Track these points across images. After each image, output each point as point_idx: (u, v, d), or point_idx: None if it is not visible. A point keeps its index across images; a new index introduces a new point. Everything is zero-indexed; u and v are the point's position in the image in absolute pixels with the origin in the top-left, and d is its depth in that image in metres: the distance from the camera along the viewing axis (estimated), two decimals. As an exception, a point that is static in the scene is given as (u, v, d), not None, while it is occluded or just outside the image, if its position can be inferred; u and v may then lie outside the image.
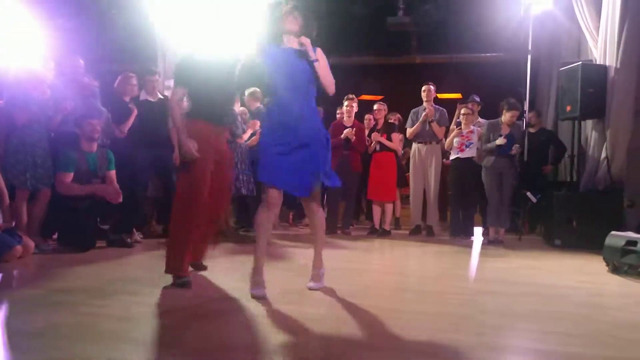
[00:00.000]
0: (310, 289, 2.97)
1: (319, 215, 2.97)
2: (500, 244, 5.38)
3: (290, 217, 6.92)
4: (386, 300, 2.96)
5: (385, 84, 10.20)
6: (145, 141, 4.93)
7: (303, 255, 4.07)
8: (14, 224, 4.08)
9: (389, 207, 5.97)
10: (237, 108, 5.65)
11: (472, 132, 5.79)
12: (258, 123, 5.26)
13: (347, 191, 5.96)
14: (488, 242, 5.52)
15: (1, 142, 4.09)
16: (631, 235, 3.97)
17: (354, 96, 6.04)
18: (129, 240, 4.55)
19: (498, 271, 3.96)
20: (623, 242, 3.94)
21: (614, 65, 5.30)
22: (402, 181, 6.48)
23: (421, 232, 6.13)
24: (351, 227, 6.30)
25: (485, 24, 7.72)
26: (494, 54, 9.20)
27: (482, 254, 4.94)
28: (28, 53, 4.89)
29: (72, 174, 4.30)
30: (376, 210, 6.04)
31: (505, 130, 5.45)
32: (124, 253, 4.22)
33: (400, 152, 6.26)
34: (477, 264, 4.42)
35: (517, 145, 5.46)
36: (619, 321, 2.53)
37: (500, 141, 5.34)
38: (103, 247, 4.43)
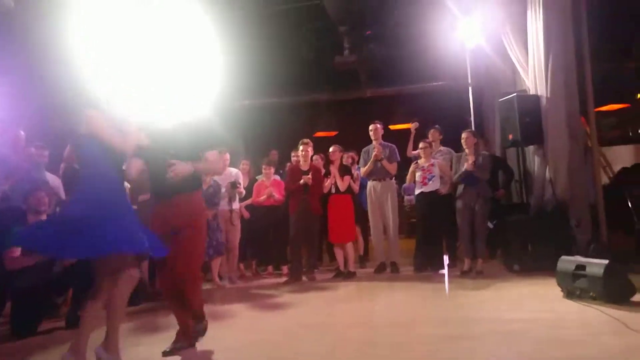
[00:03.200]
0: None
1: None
2: (480, 274, 5.49)
3: (254, 265, 6.86)
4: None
5: (339, 120, 10.43)
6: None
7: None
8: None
9: (349, 248, 6.02)
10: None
11: (432, 165, 5.95)
12: None
13: (309, 235, 5.99)
14: (461, 274, 5.62)
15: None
16: (579, 259, 4.16)
17: (308, 141, 6.12)
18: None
19: (463, 309, 4.04)
20: (573, 267, 4.13)
21: (545, 94, 5.64)
22: (363, 219, 6.57)
23: (386, 269, 6.19)
24: (316, 270, 6.30)
25: (428, 56, 8.09)
26: (439, 83, 9.59)
27: (448, 290, 5.02)
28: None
29: (19, 248, 4.12)
30: (338, 253, 6.08)
31: (470, 158, 5.60)
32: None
33: (357, 190, 6.36)
34: (443, 303, 4.48)
35: (502, 191, 5.66)
36: (577, 356, 2.63)
37: (468, 165, 5.50)
38: (60, 328, 4.13)
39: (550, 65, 5.55)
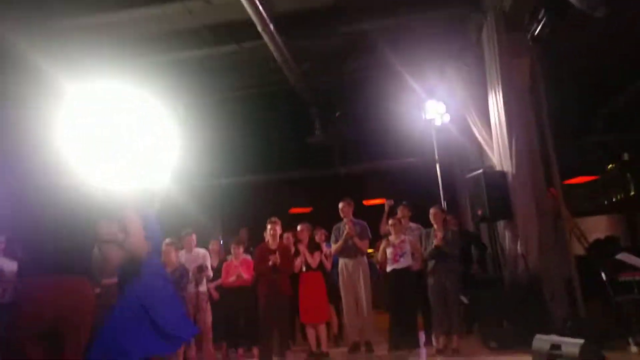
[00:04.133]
0: None
1: None
2: (455, 353, 5.28)
3: (224, 347, 6.51)
4: None
5: (313, 197, 10.48)
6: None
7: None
8: None
9: (322, 328, 5.79)
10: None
11: (403, 241, 5.88)
12: None
13: (279, 316, 5.75)
14: (437, 352, 5.40)
15: None
16: (554, 338, 4.04)
17: (276, 219, 6.06)
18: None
19: None
20: (548, 347, 3.99)
21: (511, 171, 5.79)
22: (336, 297, 6.38)
23: (360, 348, 5.92)
24: (288, 350, 5.99)
25: (396, 134, 8.37)
26: (408, 160, 9.81)
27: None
28: None
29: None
30: (310, 334, 5.82)
31: (438, 234, 5.56)
32: None
33: (329, 268, 6.24)
34: None
35: (476, 266, 5.65)
36: None
37: (437, 240, 5.46)
38: None
39: (513, 143, 5.74)
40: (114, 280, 4.44)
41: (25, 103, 5.71)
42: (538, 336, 4.21)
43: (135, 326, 2.62)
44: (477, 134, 6.52)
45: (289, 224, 8.44)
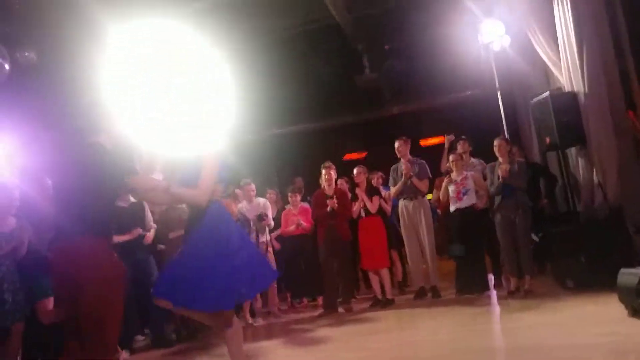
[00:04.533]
0: None
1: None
2: (529, 294, 5.02)
3: (289, 297, 6.60)
4: None
5: (367, 141, 10.18)
6: (121, 248, 4.73)
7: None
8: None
9: (385, 274, 5.66)
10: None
11: (466, 178, 5.54)
12: None
13: (340, 263, 5.69)
14: (508, 294, 5.17)
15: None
16: (643, 271, 3.67)
17: (330, 164, 5.89)
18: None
19: (512, 335, 3.64)
20: (636, 280, 3.63)
21: (583, 90, 5.19)
22: (398, 243, 6.22)
23: (426, 294, 5.77)
24: (353, 299, 5.96)
25: (451, 65, 7.77)
26: (466, 93, 9.20)
27: (495, 314, 4.58)
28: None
29: (52, 299, 4.05)
30: (374, 279, 5.72)
31: (503, 166, 5.18)
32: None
33: (389, 212, 6.05)
34: (490, 329, 4.06)
35: (545, 200, 5.44)
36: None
37: (502, 172, 5.09)
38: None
39: (585, 60, 5.10)
40: (180, 232, 4.56)
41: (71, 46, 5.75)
42: (623, 270, 3.83)
43: (194, 278, 2.56)
44: (542, 54, 5.86)
45: (343, 171, 8.24)
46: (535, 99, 5.56)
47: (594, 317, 3.82)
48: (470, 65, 7.54)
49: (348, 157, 10.33)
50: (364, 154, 10.42)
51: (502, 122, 6.64)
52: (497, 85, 6.70)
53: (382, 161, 8.61)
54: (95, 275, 2.23)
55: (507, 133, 6.57)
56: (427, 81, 8.49)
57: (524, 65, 6.65)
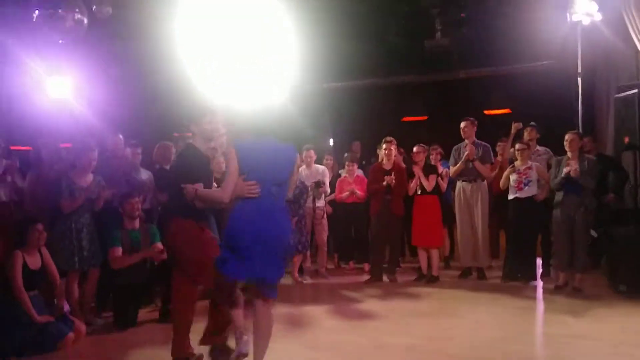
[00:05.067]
0: None
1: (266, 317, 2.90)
2: (577, 292, 5.03)
3: (336, 258, 6.85)
4: None
5: (429, 104, 9.91)
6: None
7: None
8: (65, 307, 4.27)
9: (434, 252, 5.76)
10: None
11: (530, 168, 5.40)
12: None
13: (391, 236, 5.83)
14: (555, 288, 5.18)
15: (46, 227, 4.25)
16: None
17: (392, 139, 5.86)
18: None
19: (553, 345, 3.66)
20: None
21: (677, 90, 4.82)
22: (450, 219, 6.26)
23: (471, 274, 5.87)
24: (398, 268, 6.15)
25: (529, 33, 7.28)
26: (542, 63, 8.64)
27: (539, 311, 4.61)
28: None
29: (120, 249, 4.43)
30: (422, 256, 5.84)
31: (573, 163, 5.01)
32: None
33: (444, 189, 6.01)
34: (531, 331, 4.10)
35: (612, 195, 5.30)
36: None
37: (568, 169, 4.95)
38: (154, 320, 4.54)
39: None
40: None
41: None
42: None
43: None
44: (635, 38, 5.41)
45: (403, 133, 8.16)
46: (621, 94, 5.22)
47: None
48: (552, 37, 7.04)
49: (407, 119, 10.15)
50: (424, 117, 10.22)
51: (577, 106, 6.27)
52: (580, 67, 6.26)
53: (443, 128, 8.47)
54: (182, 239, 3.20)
55: (581, 120, 6.23)
56: (500, 50, 8.04)
57: (614, 48, 6.16)
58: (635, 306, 4.51)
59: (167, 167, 5.13)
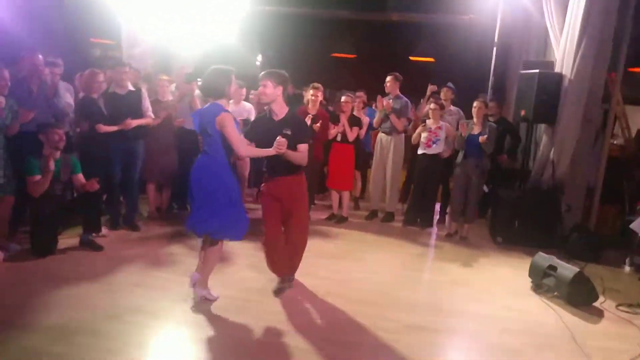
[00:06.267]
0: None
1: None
2: (463, 240, 5.81)
3: (255, 194, 7.17)
4: (312, 341, 3.22)
5: (358, 42, 10.03)
6: (115, 134, 5.00)
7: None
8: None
9: (345, 195, 6.29)
10: None
11: (440, 128, 5.93)
12: None
13: (309, 179, 6.17)
14: (446, 235, 5.94)
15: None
16: (554, 260, 4.42)
17: (319, 85, 6.02)
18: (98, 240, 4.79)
19: (435, 292, 4.29)
20: (546, 265, 4.40)
21: (569, 75, 5.44)
22: (365, 165, 6.77)
23: (377, 216, 6.51)
24: (312, 205, 6.64)
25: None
26: (466, 17, 9.01)
27: (428, 259, 5.30)
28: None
29: (39, 177, 4.40)
30: (334, 197, 6.35)
31: (476, 129, 5.57)
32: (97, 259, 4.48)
33: (362, 137, 6.41)
34: (419, 278, 4.72)
35: (505, 157, 5.85)
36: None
37: (468, 131, 5.51)
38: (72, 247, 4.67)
39: (582, 47, 5.28)
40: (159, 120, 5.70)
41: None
42: (540, 253, 4.59)
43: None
44: (548, 24, 5.91)
45: (332, 69, 8.23)
46: (524, 71, 5.76)
47: (505, 284, 4.58)
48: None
49: (336, 55, 10.24)
50: (353, 56, 10.35)
51: (489, 76, 6.79)
52: (497, 33, 6.71)
53: (370, 68, 8.65)
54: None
55: (492, 85, 6.80)
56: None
57: (529, 21, 6.64)
58: (506, 256, 5.38)
59: (95, 96, 4.99)
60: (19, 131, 4.45)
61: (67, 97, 5.36)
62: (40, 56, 4.76)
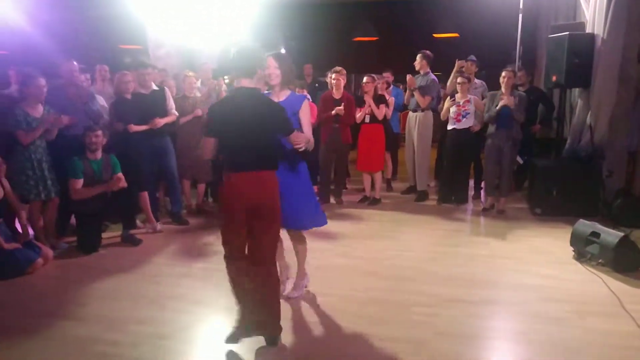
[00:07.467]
0: (289, 297, 3.52)
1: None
2: (501, 214, 5.69)
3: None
4: (350, 319, 3.23)
5: (380, 25, 9.90)
6: (143, 132, 5.15)
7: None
8: (31, 234, 4.49)
9: (377, 176, 6.27)
10: None
11: (468, 101, 5.84)
12: None
13: (338, 162, 6.24)
14: (482, 210, 5.84)
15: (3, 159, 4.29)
16: (597, 226, 4.28)
17: (341, 69, 6.02)
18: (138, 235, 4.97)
19: (472, 264, 4.25)
20: (588, 232, 4.28)
21: (602, 35, 5.23)
22: (394, 144, 6.75)
23: (416, 191, 6.51)
24: (345, 190, 6.67)
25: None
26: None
27: (465, 234, 5.20)
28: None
29: (81, 180, 4.59)
30: (366, 179, 6.34)
31: (506, 99, 5.42)
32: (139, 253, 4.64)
33: (389, 116, 6.37)
34: (456, 253, 4.60)
35: (539, 126, 5.86)
36: (552, 341, 2.95)
37: (503, 103, 5.37)
38: (115, 243, 4.87)
39: (613, 5, 5.06)
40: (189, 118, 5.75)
41: None
42: (581, 221, 4.46)
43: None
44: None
45: (355, 53, 8.18)
46: (554, 35, 5.57)
47: (546, 254, 4.49)
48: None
49: (358, 39, 10.14)
50: (375, 38, 10.23)
51: (516, 43, 6.58)
52: (521, 4, 6.50)
53: (393, 49, 8.55)
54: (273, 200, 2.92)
55: (520, 54, 6.60)
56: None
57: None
58: (545, 227, 5.25)
59: (128, 97, 5.15)
60: (61, 135, 4.66)
61: (101, 100, 5.56)
62: (75, 63, 4.96)
